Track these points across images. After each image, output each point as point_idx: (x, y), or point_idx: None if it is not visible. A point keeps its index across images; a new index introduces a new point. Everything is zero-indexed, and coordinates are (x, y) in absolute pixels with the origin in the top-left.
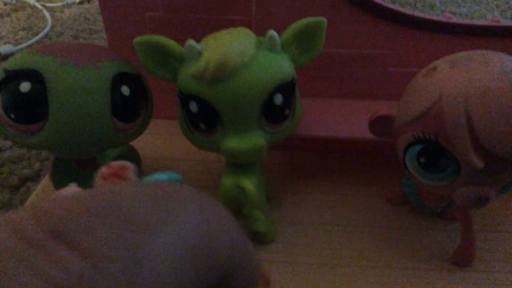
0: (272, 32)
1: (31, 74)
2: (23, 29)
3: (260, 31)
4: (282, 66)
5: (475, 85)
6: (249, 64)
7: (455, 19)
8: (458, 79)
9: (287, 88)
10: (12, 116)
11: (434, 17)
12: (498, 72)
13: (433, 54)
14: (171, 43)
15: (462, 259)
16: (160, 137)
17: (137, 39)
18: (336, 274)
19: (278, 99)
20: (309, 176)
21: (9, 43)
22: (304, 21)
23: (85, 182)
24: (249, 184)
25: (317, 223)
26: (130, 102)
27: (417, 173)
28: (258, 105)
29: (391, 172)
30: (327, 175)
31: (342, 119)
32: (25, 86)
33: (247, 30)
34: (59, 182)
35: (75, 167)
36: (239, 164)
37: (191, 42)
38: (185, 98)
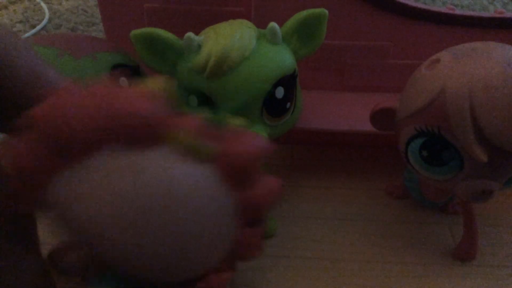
0: (273, 24)
1: None
2: (21, 21)
3: (259, 23)
4: (284, 59)
5: (479, 77)
6: (250, 58)
7: (458, 11)
8: (462, 71)
9: (288, 81)
10: None
11: (437, 9)
12: (501, 64)
13: (436, 46)
14: (169, 36)
15: (464, 253)
16: None
17: (134, 32)
18: (336, 269)
19: (280, 92)
20: (310, 169)
21: None
22: (305, 12)
23: None
24: None
25: (317, 217)
26: None
27: (419, 167)
28: (260, 99)
29: (392, 165)
30: (327, 169)
31: (343, 112)
32: None
33: (247, 22)
34: None
35: None
36: None
37: (190, 35)
38: (184, 92)
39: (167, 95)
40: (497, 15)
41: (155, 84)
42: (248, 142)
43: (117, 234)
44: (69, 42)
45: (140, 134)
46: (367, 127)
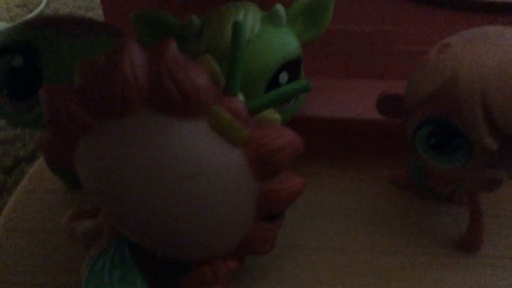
0: (278, 6)
1: (24, 48)
2: (18, 6)
3: (263, 5)
4: (288, 43)
5: (492, 62)
6: (254, 41)
7: None
8: (474, 56)
9: (292, 66)
10: (4, 91)
11: None
12: None
13: (442, 31)
14: (170, 18)
15: (469, 244)
16: None
17: (134, 13)
18: (338, 259)
19: (284, 77)
20: (312, 158)
21: (3, 20)
22: None
23: None
24: None
25: (320, 207)
26: None
27: (426, 155)
28: (263, 84)
29: (396, 154)
30: (331, 157)
31: (347, 99)
32: (17, 61)
33: (251, 4)
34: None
35: None
36: None
37: (192, 17)
38: None
39: (215, 74)
40: (506, 0)
41: (205, 62)
42: (282, 135)
43: (134, 198)
44: (65, 23)
45: (185, 103)
46: (373, 114)
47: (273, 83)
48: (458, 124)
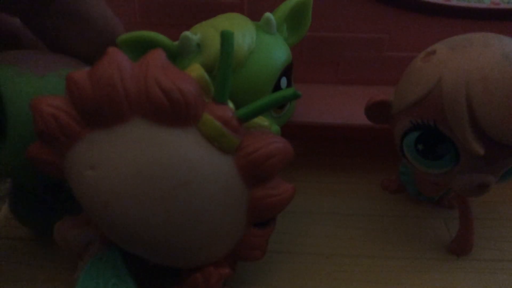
0: (269, 15)
1: None
2: None
3: (252, 15)
4: (284, 48)
5: (476, 68)
6: (256, 51)
7: (454, 2)
8: (458, 62)
9: (289, 70)
10: None
11: (433, 0)
12: (499, 55)
13: (431, 37)
14: (161, 37)
15: (460, 248)
16: None
17: (122, 37)
18: (331, 264)
19: (284, 83)
20: (304, 164)
21: None
22: (293, 0)
23: (54, 213)
24: None
25: (311, 212)
26: None
27: (415, 161)
28: (269, 91)
29: (387, 159)
30: (322, 163)
31: (337, 105)
32: None
33: (242, 16)
34: (21, 213)
35: (40, 195)
36: None
37: (187, 34)
38: None
39: (205, 82)
40: (493, 6)
41: (194, 71)
42: (271, 142)
43: (125, 207)
44: (28, 58)
45: (175, 112)
46: (362, 120)
47: (276, 89)
48: (445, 130)
